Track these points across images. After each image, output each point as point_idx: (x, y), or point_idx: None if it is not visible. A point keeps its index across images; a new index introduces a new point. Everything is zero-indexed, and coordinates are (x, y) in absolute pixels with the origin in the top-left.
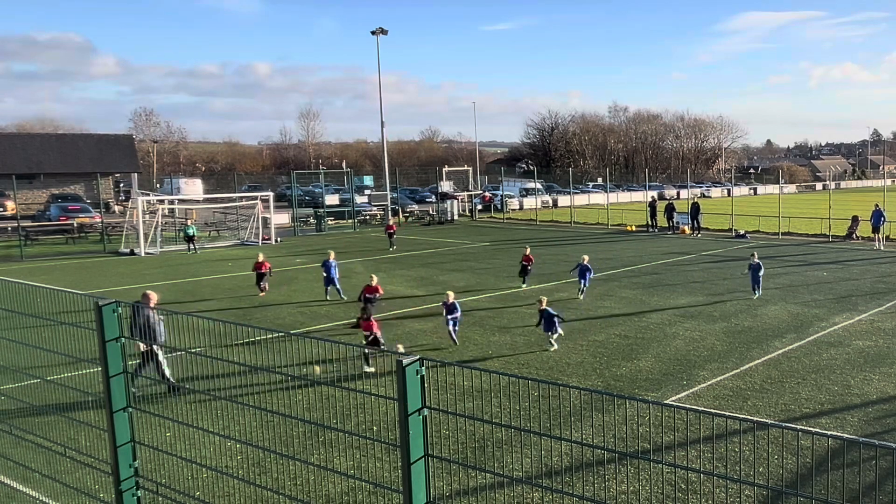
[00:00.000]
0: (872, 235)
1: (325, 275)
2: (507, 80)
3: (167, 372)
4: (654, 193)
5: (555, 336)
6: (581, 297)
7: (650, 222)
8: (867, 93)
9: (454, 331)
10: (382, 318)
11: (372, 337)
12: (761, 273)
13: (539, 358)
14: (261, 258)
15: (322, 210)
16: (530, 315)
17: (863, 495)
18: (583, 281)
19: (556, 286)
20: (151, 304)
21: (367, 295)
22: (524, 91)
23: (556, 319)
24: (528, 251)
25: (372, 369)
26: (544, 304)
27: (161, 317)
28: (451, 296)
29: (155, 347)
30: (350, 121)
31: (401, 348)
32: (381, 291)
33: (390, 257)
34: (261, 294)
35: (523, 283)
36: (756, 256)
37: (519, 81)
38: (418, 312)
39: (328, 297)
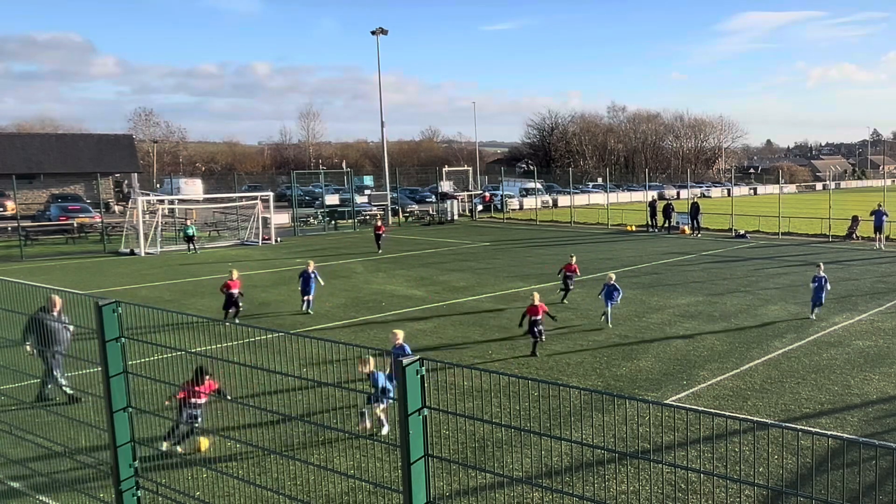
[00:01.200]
0: (874, 235)
1: (300, 287)
2: (506, 80)
3: (63, 382)
4: (655, 193)
5: (381, 409)
6: (609, 326)
7: (650, 222)
8: (867, 93)
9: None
10: (382, 317)
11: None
12: (826, 290)
13: (539, 358)
14: (234, 275)
15: (323, 209)
16: None
17: (863, 495)
18: (610, 303)
19: (555, 286)
20: (55, 311)
21: (532, 317)
22: (524, 91)
23: (389, 386)
24: (574, 259)
25: (174, 447)
26: (371, 365)
27: (69, 326)
28: (400, 336)
29: (51, 354)
30: (350, 121)
31: None
32: (545, 309)
33: (391, 257)
34: (226, 321)
35: (564, 298)
36: (822, 268)
37: (519, 81)
38: (418, 313)
39: (307, 310)
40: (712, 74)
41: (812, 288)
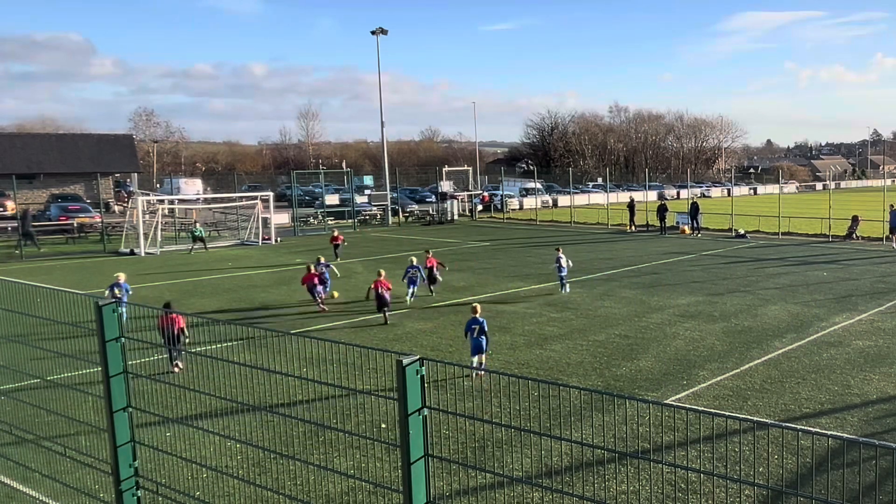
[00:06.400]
0: (889, 235)
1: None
2: (506, 80)
3: None
4: (632, 194)
5: None
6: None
7: (630, 222)
8: (867, 93)
9: None
10: (382, 317)
11: None
12: None
13: (539, 358)
14: (382, 275)
15: (323, 209)
16: (530, 315)
17: (863, 495)
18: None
19: (555, 286)
20: None
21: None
22: (523, 91)
23: None
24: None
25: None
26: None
27: None
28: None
29: None
30: (348, 121)
31: None
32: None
33: (391, 257)
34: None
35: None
36: None
37: (518, 81)
38: (418, 313)
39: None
40: (712, 74)
41: None
